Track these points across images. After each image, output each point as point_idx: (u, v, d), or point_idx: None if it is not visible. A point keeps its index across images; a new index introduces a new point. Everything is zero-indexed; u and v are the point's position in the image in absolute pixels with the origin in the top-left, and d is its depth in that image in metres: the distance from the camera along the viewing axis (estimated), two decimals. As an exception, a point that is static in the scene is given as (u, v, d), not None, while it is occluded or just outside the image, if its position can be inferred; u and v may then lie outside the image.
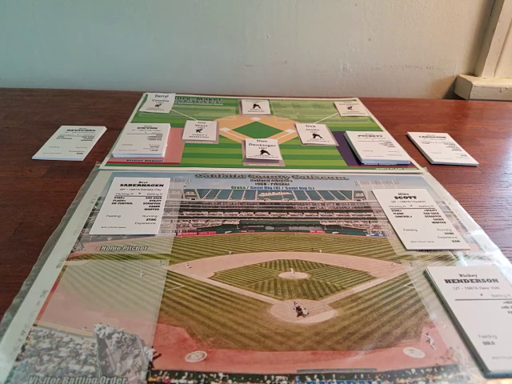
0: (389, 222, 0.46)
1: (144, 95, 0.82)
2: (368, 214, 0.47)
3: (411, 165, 0.59)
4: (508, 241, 0.44)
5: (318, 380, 0.28)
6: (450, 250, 0.42)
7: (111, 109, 0.76)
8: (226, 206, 0.47)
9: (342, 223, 0.45)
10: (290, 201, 0.49)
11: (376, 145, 0.64)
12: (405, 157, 0.61)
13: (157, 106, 0.77)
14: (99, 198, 0.47)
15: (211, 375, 0.28)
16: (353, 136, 0.66)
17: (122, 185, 0.50)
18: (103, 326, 0.31)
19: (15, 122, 0.68)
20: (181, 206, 0.47)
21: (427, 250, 0.41)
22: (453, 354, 0.30)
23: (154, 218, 0.44)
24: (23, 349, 0.29)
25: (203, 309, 0.33)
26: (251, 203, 0.48)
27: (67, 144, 0.61)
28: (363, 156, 0.60)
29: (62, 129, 0.66)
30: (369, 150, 0.62)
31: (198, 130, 0.67)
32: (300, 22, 0.86)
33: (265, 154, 0.59)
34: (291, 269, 0.38)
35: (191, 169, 0.55)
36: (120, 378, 0.28)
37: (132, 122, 0.69)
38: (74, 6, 0.82)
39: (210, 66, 0.89)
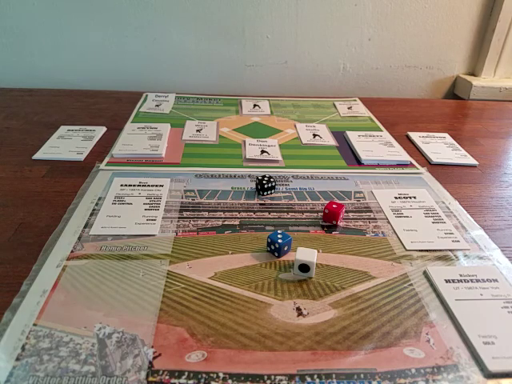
0: (389, 222, 0.46)
1: (144, 95, 0.82)
2: (368, 214, 0.47)
3: (411, 165, 0.59)
4: (508, 241, 0.44)
5: (317, 380, 0.28)
6: (449, 250, 0.42)
7: (111, 109, 0.76)
8: (226, 207, 0.47)
9: (342, 223, 0.45)
10: (290, 202, 0.49)
11: (376, 145, 0.64)
12: (405, 157, 0.61)
13: (157, 106, 0.77)
14: (99, 198, 0.47)
15: (211, 375, 0.28)
16: (353, 136, 0.66)
17: (122, 185, 0.50)
18: (103, 325, 0.31)
19: (15, 122, 0.68)
20: (181, 206, 0.47)
21: (427, 250, 0.41)
22: (453, 354, 0.30)
23: (154, 218, 0.44)
24: (23, 348, 0.29)
25: (203, 309, 0.33)
26: (251, 204, 0.48)
27: (67, 144, 0.61)
28: (363, 156, 0.60)
29: (62, 129, 0.66)
30: (369, 150, 0.62)
31: (198, 130, 0.67)
32: (300, 22, 0.86)
33: (265, 154, 0.59)
34: (291, 269, 0.38)
35: (191, 169, 0.55)
36: (120, 378, 0.28)
37: (132, 122, 0.69)
38: (74, 6, 0.82)
39: (210, 66, 0.89)
